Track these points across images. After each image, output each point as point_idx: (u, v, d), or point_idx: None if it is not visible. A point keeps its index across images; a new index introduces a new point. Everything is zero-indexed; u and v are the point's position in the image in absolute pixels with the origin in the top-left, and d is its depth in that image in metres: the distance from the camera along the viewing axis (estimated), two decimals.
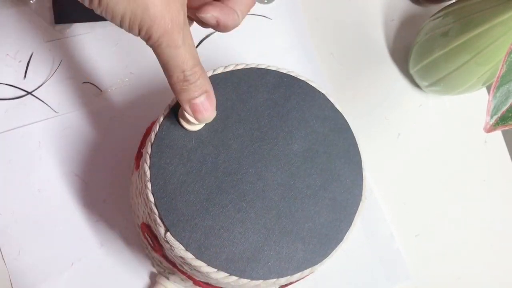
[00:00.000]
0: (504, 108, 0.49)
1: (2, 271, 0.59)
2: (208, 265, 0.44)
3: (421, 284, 0.71)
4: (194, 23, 0.47)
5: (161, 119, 0.47)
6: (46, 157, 0.63)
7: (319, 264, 0.47)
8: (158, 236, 0.47)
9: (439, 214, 0.75)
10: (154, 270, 0.63)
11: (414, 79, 0.78)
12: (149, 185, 0.45)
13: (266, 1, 0.75)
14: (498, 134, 0.81)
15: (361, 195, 0.50)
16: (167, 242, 0.44)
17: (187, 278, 0.52)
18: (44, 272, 0.60)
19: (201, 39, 0.72)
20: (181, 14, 0.39)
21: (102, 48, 0.68)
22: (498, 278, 0.74)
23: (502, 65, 0.48)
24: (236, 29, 0.73)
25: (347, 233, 0.48)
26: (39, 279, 0.60)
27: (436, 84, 0.73)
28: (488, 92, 0.79)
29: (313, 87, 0.52)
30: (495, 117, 0.49)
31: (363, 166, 0.51)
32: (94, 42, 0.68)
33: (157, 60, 0.69)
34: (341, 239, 0.48)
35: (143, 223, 0.52)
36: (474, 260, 0.74)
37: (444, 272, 0.73)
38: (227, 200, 0.46)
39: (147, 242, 0.54)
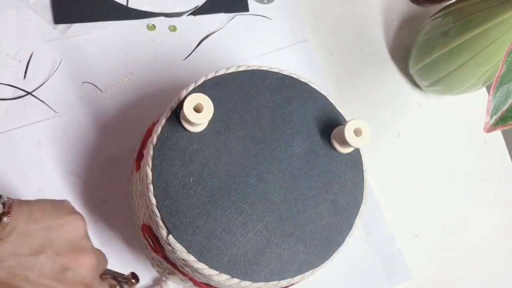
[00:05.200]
0: (504, 108, 0.49)
1: None
2: (210, 267, 0.44)
3: (421, 284, 0.71)
4: None
5: (163, 121, 0.47)
6: (46, 157, 0.63)
7: (320, 266, 0.47)
8: (160, 238, 0.47)
9: (439, 214, 0.75)
10: (154, 270, 0.63)
11: (414, 79, 0.78)
12: (151, 187, 0.45)
13: (266, 1, 0.75)
14: (498, 134, 0.81)
15: (362, 197, 0.50)
16: (169, 244, 0.44)
17: (188, 279, 0.52)
18: None
19: (201, 38, 0.72)
20: None
21: (102, 48, 0.68)
22: (498, 278, 0.75)
23: (502, 65, 0.48)
24: (236, 28, 0.74)
25: (348, 235, 0.48)
26: None
27: (436, 84, 0.73)
28: (488, 92, 0.79)
29: (315, 89, 0.52)
30: (495, 117, 0.49)
31: (364, 168, 0.51)
32: (94, 42, 0.68)
33: (156, 61, 0.69)
34: (342, 242, 0.48)
35: (144, 224, 0.52)
36: (474, 260, 0.74)
37: (444, 272, 0.73)
38: (229, 202, 0.46)
39: (147, 243, 0.54)
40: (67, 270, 0.40)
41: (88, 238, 0.44)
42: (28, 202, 0.42)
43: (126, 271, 0.62)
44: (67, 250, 0.41)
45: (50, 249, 0.40)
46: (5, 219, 0.39)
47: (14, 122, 0.63)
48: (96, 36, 0.68)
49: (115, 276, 0.48)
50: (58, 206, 0.44)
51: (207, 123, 0.47)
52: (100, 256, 0.44)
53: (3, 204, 0.39)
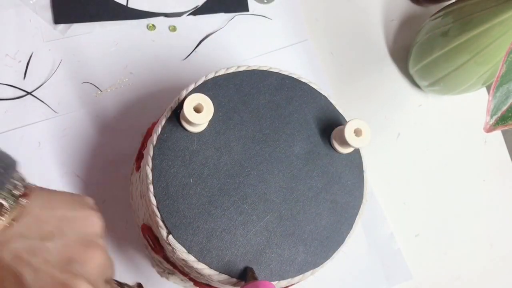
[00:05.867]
0: (504, 108, 0.49)
1: None
2: (210, 267, 0.44)
3: (421, 284, 0.71)
4: None
5: (163, 121, 0.47)
6: (46, 157, 0.63)
7: (320, 266, 0.47)
8: (160, 238, 0.47)
9: (439, 214, 0.75)
10: (154, 270, 0.63)
11: (414, 79, 0.78)
12: (151, 187, 0.45)
13: (266, 1, 0.75)
14: (498, 134, 0.81)
15: (362, 197, 0.50)
16: (169, 244, 0.44)
17: (188, 279, 0.52)
18: None
19: (201, 38, 0.72)
20: None
21: (102, 48, 0.68)
22: (498, 278, 0.75)
23: (502, 65, 0.48)
24: (236, 28, 0.74)
25: (348, 235, 0.48)
26: None
27: (436, 84, 0.73)
28: (488, 92, 0.79)
29: (314, 89, 0.52)
30: (495, 117, 0.49)
31: (364, 168, 0.51)
32: (94, 42, 0.68)
33: (156, 61, 0.69)
34: (342, 241, 0.48)
35: (144, 225, 0.52)
36: (474, 260, 0.74)
37: (444, 272, 0.73)
38: (229, 202, 0.46)
39: (147, 243, 0.54)
40: (73, 262, 0.38)
41: (102, 237, 0.42)
42: (49, 190, 0.42)
43: (125, 271, 0.63)
44: (77, 243, 0.39)
45: (60, 238, 0.39)
46: (22, 200, 0.38)
47: (14, 122, 0.63)
48: (96, 36, 0.68)
49: (121, 284, 0.47)
50: (78, 200, 0.43)
51: (207, 123, 0.47)
52: (110, 260, 0.43)
53: (24, 186, 0.39)
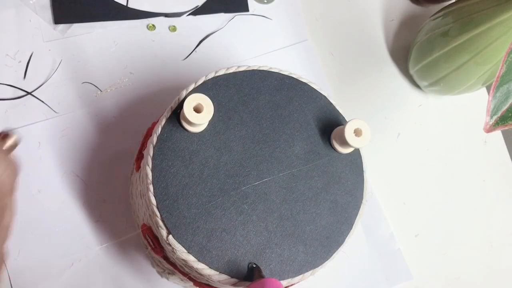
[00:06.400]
0: (504, 108, 0.49)
1: (1, 271, 0.59)
2: (210, 267, 0.44)
3: (421, 284, 0.71)
4: None
5: (163, 121, 0.47)
6: (46, 157, 0.63)
7: (320, 266, 0.47)
8: (160, 238, 0.47)
9: (439, 214, 0.75)
10: (154, 270, 0.63)
11: (414, 79, 0.78)
12: (151, 187, 0.45)
13: (266, 1, 0.75)
14: (498, 134, 0.81)
15: (362, 197, 0.50)
16: (169, 244, 0.44)
17: (188, 279, 0.52)
18: (44, 272, 0.60)
19: (201, 38, 0.72)
20: None
21: (102, 48, 0.68)
22: (498, 278, 0.75)
23: (502, 65, 0.48)
24: (236, 28, 0.74)
25: (348, 235, 0.48)
26: (39, 279, 0.60)
27: (436, 84, 0.73)
28: (488, 92, 0.79)
29: (314, 89, 0.52)
30: (495, 117, 0.49)
31: (364, 169, 0.51)
32: (94, 42, 0.68)
33: (156, 61, 0.69)
34: (342, 242, 0.48)
35: (144, 225, 0.52)
36: (474, 260, 0.74)
37: (444, 272, 0.73)
38: (229, 202, 0.46)
39: (147, 243, 0.54)
40: None
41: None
42: None
43: (125, 271, 0.63)
44: None
45: None
46: None
47: (14, 122, 0.63)
48: (96, 36, 0.68)
49: None
50: None
51: (207, 123, 0.47)
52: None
53: None
